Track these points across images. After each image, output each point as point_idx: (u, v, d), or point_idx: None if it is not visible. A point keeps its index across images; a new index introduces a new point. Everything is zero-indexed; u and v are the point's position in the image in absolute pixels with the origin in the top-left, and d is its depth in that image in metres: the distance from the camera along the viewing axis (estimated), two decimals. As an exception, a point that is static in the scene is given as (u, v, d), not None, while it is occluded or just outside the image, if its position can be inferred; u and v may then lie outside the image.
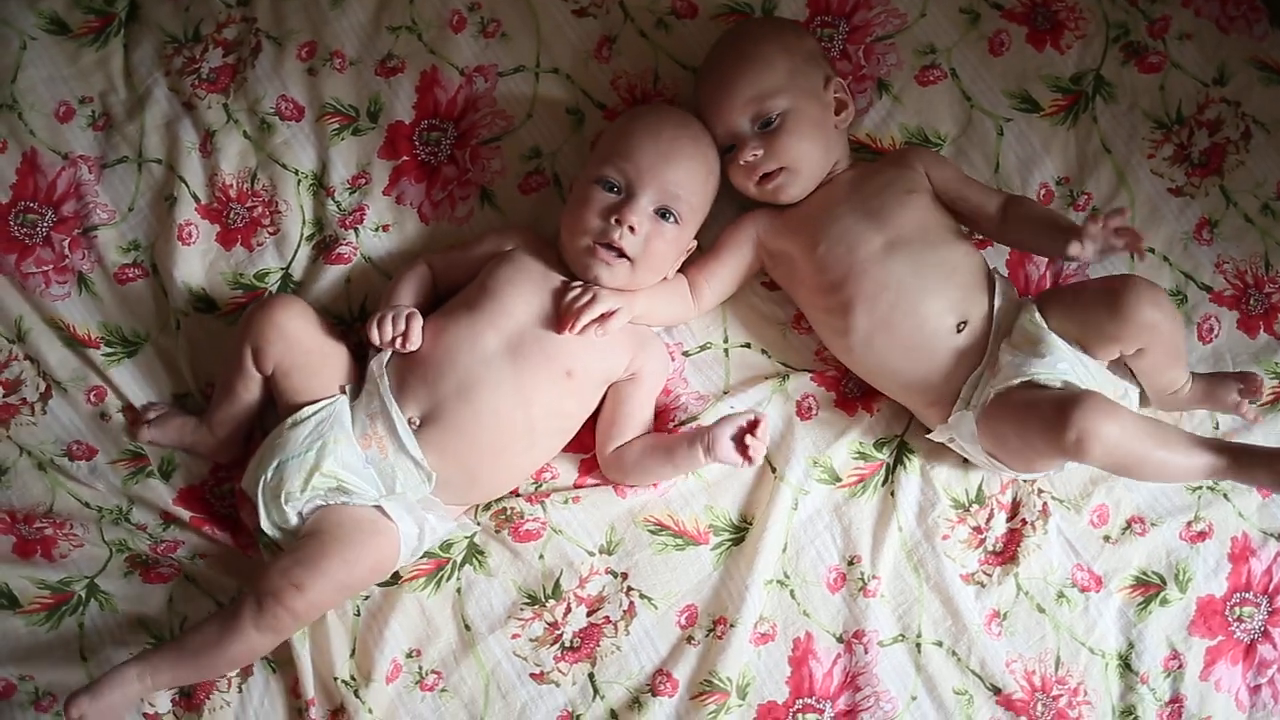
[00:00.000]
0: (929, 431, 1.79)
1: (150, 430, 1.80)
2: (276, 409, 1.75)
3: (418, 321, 1.72)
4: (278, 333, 1.70)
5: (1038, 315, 1.71)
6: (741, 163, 1.78)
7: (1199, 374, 1.80)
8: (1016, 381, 1.67)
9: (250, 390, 1.74)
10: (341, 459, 1.68)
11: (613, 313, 1.73)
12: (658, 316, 1.83)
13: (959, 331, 1.73)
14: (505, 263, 1.78)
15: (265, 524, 1.69)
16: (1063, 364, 1.67)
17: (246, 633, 1.59)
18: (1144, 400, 1.78)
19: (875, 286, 1.74)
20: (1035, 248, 1.82)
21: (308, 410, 1.70)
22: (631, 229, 1.72)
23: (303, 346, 1.71)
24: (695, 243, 1.82)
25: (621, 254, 1.73)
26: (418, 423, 1.70)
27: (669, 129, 1.77)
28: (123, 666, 1.59)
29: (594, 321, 1.72)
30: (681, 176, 1.74)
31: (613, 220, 1.72)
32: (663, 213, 1.74)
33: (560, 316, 1.73)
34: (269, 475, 1.68)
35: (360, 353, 1.78)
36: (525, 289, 1.76)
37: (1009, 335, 1.73)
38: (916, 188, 1.80)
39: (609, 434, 1.79)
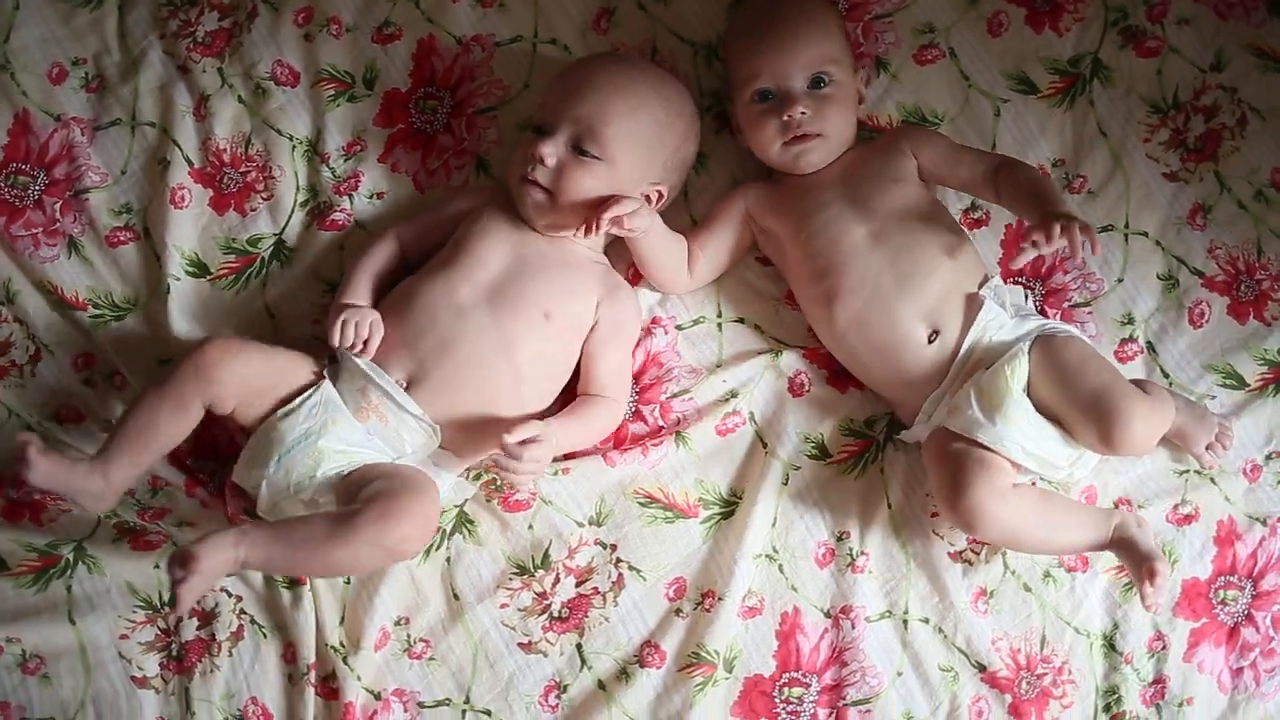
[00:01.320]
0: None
1: (31, 467, 1.59)
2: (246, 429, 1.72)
3: (379, 332, 1.72)
4: (229, 373, 1.65)
5: (1020, 368, 1.68)
6: (786, 117, 1.76)
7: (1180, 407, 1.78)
8: (959, 432, 1.69)
9: (176, 434, 1.67)
10: (343, 437, 1.68)
11: (632, 213, 1.71)
12: (657, 249, 1.81)
13: (930, 342, 1.73)
14: (476, 219, 1.79)
15: (268, 517, 1.69)
16: (1012, 440, 1.66)
17: (359, 541, 1.56)
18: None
19: (853, 282, 1.75)
20: (1014, 209, 1.80)
21: (297, 401, 1.69)
22: (542, 160, 1.72)
23: (258, 371, 1.69)
24: (661, 189, 1.80)
25: (537, 184, 1.73)
26: (405, 384, 1.70)
27: (591, 67, 1.79)
28: (222, 533, 1.54)
29: (615, 220, 1.70)
30: (593, 109, 1.73)
31: (531, 157, 1.73)
32: (578, 148, 1.73)
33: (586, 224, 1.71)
34: (272, 472, 1.66)
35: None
36: (497, 240, 1.76)
37: (986, 369, 1.71)
38: (903, 176, 1.81)
39: (584, 386, 1.78)
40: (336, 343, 1.70)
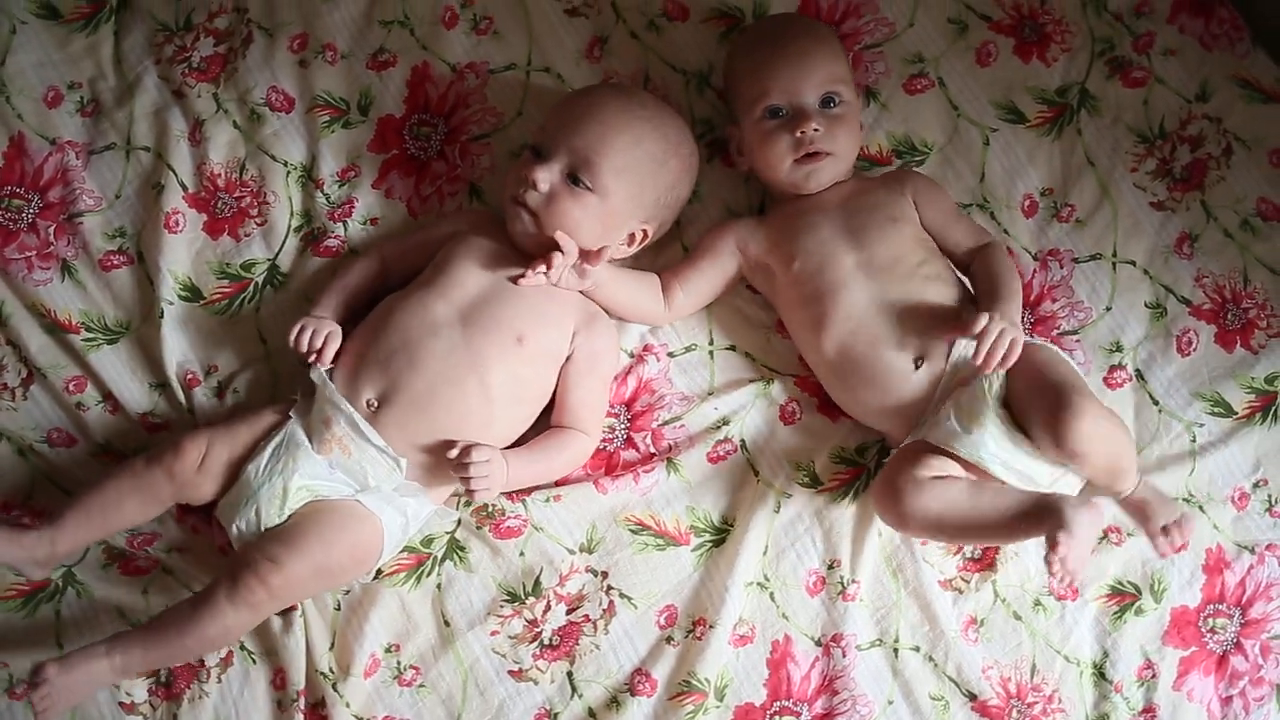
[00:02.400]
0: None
1: None
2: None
3: (335, 344, 1.73)
4: (199, 467, 1.68)
5: (996, 379, 1.70)
6: (799, 133, 1.77)
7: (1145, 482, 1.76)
8: (937, 444, 1.69)
9: (143, 518, 1.71)
10: (307, 473, 1.67)
11: (596, 253, 1.72)
12: (620, 297, 1.82)
13: (917, 368, 1.74)
14: (458, 242, 1.80)
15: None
16: (985, 449, 1.67)
17: (221, 609, 1.59)
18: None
19: (840, 312, 1.76)
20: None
21: (262, 445, 1.70)
22: (534, 185, 1.73)
23: (224, 445, 1.70)
24: (647, 229, 1.81)
25: (525, 206, 1.74)
26: (375, 404, 1.70)
27: (595, 97, 1.79)
28: (94, 645, 1.59)
29: (574, 266, 1.73)
30: (592, 141, 1.74)
31: (524, 179, 1.74)
32: (573, 177, 1.74)
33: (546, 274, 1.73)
34: (243, 512, 1.66)
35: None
36: (475, 262, 1.77)
37: (965, 386, 1.73)
38: (901, 216, 1.82)
39: (559, 418, 1.78)
40: (292, 346, 1.73)
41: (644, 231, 1.81)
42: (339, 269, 1.84)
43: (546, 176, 1.73)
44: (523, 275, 1.74)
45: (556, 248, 1.72)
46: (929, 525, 1.66)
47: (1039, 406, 1.65)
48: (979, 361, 1.65)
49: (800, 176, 1.81)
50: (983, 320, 1.67)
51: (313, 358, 1.72)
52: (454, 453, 1.65)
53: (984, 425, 1.67)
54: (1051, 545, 1.55)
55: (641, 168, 1.76)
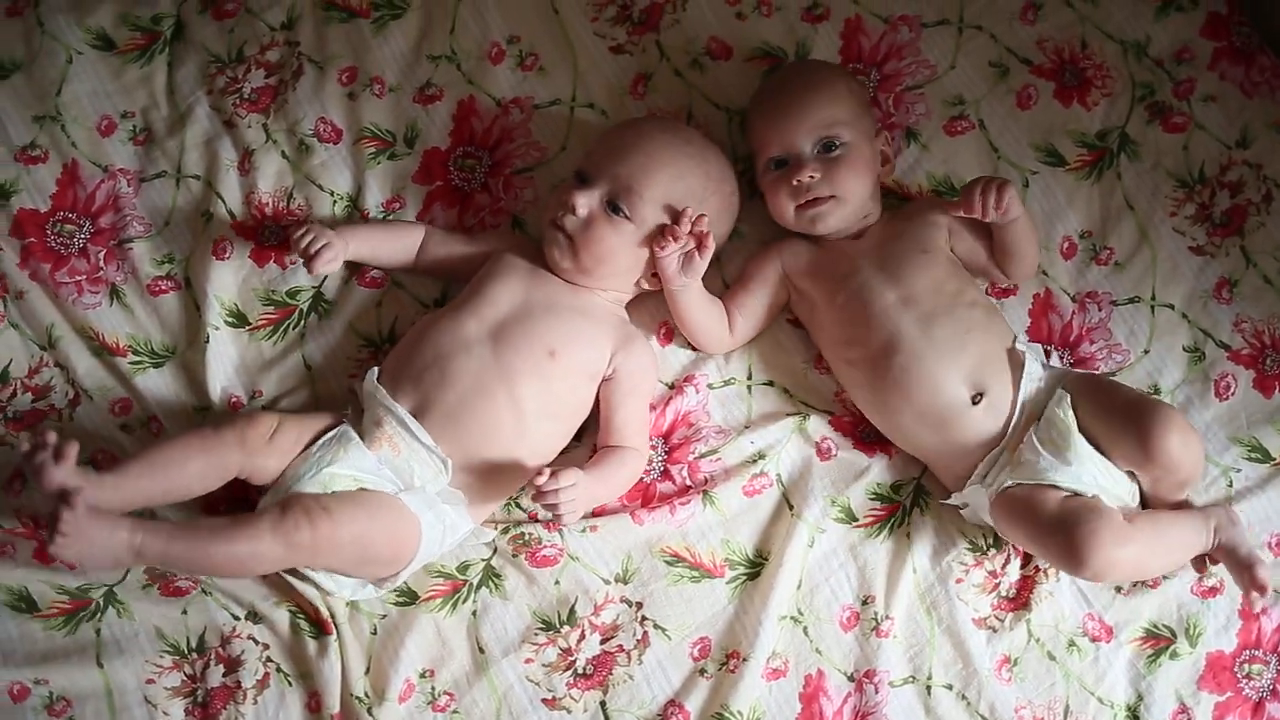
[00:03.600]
0: (942, 488, 1.82)
1: (50, 465, 1.54)
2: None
3: (328, 254, 1.76)
4: (273, 448, 1.70)
5: (1070, 408, 1.72)
6: (795, 181, 1.80)
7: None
8: (1033, 483, 1.70)
9: (201, 486, 1.68)
10: (353, 464, 1.70)
11: (704, 235, 1.75)
12: (696, 310, 1.83)
13: (975, 404, 1.75)
14: (494, 263, 1.83)
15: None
16: (1087, 475, 1.69)
17: (260, 533, 1.58)
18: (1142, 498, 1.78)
19: (886, 347, 1.77)
20: (1000, 248, 1.84)
21: (316, 441, 1.73)
22: (573, 209, 1.75)
23: (299, 439, 1.73)
24: (650, 238, 1.81)
25: (567, 235, 1.77)
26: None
27: (643, 129, 1.82)
28: (122, 517, 1.54)
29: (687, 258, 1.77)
30: (635, 171, 1.76)
31: (564, 204, 1.77)
32: (613, 205, 1.76)
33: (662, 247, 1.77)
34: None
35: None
36: (511, 282, 1.80)
37: (1037, 421, 1.74)
38: (931, 246, 1.83)
39: (605, 439, 1.80)
40: (293, 241, 1.77)
41: None
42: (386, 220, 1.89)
43: (586, 202, 1.76)
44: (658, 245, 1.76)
45: (588, 276, 1.77)
46: (1126, 576, 1.74)
47: (1124, 423, 1.69)
48: (965, 206, 1.74)
49: (806, 221, 1.84)
50: (969, 189, 1.75)
51: (306, 264, 1.77)
52: (541, 479, 1.64)
53: (1079, 454, 1.69)
54: (1258, 588, 1.68)
55: (681, 202, 1.78)
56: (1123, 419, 1.69)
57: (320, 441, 1.72)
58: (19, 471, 1.80)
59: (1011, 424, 1.75)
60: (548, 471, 1.65)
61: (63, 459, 1.55)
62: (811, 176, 1.80)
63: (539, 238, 1.88)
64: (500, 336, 1.76)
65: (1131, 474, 1.74)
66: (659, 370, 1.87)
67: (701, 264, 1.77)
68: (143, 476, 1.64)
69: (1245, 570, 1.69)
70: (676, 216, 1.76)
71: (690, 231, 1.75)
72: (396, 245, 1.87)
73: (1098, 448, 1.71)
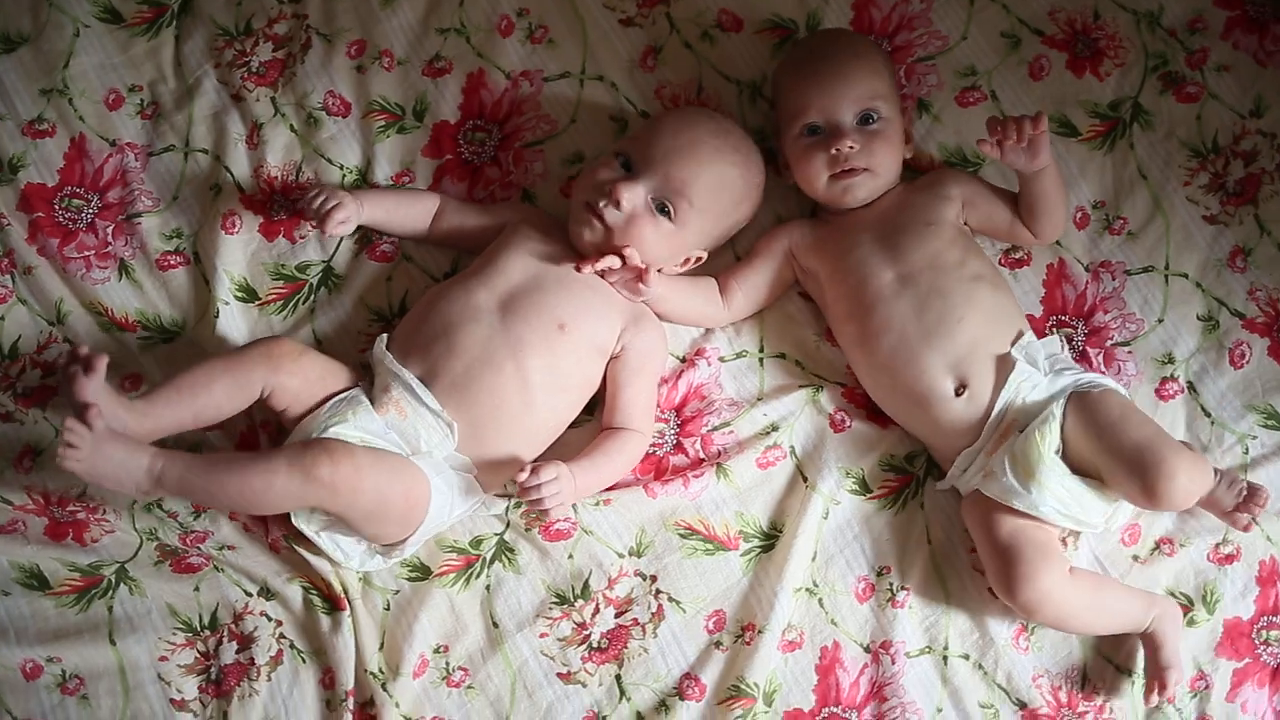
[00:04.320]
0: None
1: (94, 380, 1.55)
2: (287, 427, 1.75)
3: (340, 214, 1.76)
4: (297, 365, 1.71)
5: (1052, 433, 1.69)
6: (834, 150, 1.78)
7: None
8: (996, 499, 1.71)
9: (223, 409, 1.68)
10: (361, 425, 1.69)
11: (645, 269, 1.75)
12: (679, 306, 1.85)
13: (959, 395, 1.74)
14: (509, 234, 1.82)
15: (297, 517, 1.70)
16: (1047, 505, 1.68)
17: (276, 467, 1.58)
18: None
19: (880, 327, 1.77)
20: (1029, 203, 1.82)
21: (326, 401, 1.72)
22: (618, 203, 1.74)
23: (318, 375, 1.73)
24: (703, 255, 1.84)
25: (600, 219, 1.75)
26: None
27: (698, 130, 1.79)
28: (144, 444, 1.57)
29: (631, 276, 1.75)
30: (689, 177, 1.76)
31: (606, 190, 1.75)
32: (659, 204, 1.76)
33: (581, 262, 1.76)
34: None
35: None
36: (523, 253, 1.79)
37: (1019, 432, 1.72)
38: (937, 219, 1.82)
39: (610, 418, 1.79)
40: (305, 201, 1.77)
41: (699, 257, 1.84)
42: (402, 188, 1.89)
43: (632, 198, 1.75)
44: (580, 265, 1.75)
45: (616, 252, 1.74)
46: (1048, 621, 1.73)
47: (1126, 467, 1.66)
48: (992, 145, 1.71)
49: (838, 191, 1.82)
50: (990, 126, 1.72)
51: (315, 218, 1.76)
52: (522, 476, 1.65)
53: (1043, 484, 1.68)
54: (1160, 689, 1.70)
55: (722, 207, 1.80)
56: (1128, 463, 1.65)
57: (330, 402, 1.72)
58: (29, 447, 1.79)
59: (989, 425, 1.74)
60: (529, 467, 1.65)
61: (93, 371, 1.56)
62: (852, 146, 1.78)
63: (552, 210, 1.87)
64: (510, 307, 1.75)
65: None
66: (670, 343, 1.87)
67: (648, 289, 1.77)
68: (170, 401, 1.64)
69: (1159, 671, 1.70)
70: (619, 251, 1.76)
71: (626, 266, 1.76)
72: (411, 212, 1.86)
73: (1093, 474, 1.70)
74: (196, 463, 1.59)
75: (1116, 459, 1.67)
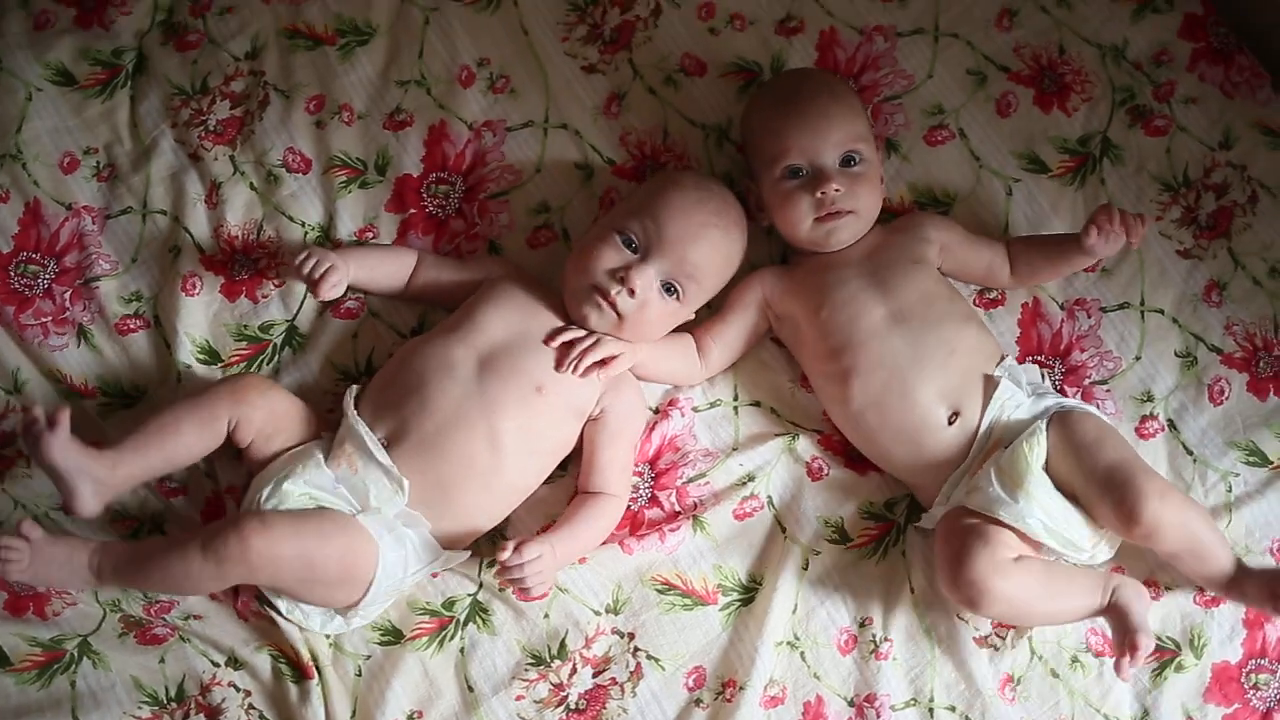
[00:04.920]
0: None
1: (44, 441, 1.56)
2: (251, 471, 1.74)
3: (333, 277, 1.72)
4: (263, 399, 1.70)
5: (1039, 445, 1.68)
6: (819, 194, 1.76)
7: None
8: (983, 514, 1.67)
9: (194, 450, 1.68)
10: (310, 481, 1.66)
11: (615, 357, 1.73)
12: (659, 370, 1.82)
13: (950, 424, 1.72)
14: (489, 289, 1.79)
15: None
16: (1032, 517, 1.65)
17: (190, 554, 1.57)
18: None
19: (871, 362, 1.74)
20: (1052, 266, 1.84)
21: (280, 455, 1.71)
22: (632, 292, 1.71)
23: (284, 410, 1.72)
24: (692, 315, 1.82)
25: (613, 307, 1.72)
26: (385, 443, 1.69)
27: (708, 211, 1.76)
28: (87, 539, 1.66)
29: (596, 365, 1.72)
30: (701, 260, 1.74)
31: (618, 277, 1.71)
32: (669, 287, 1.74)
33: (559, 353, 1.73)
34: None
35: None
36: (505, 312, 1.76)
37: (1005, 448, 1.70)
38: (922, 259, 1.81)
39: (586, 480, 1.76)
40: (295, 266, 1.73)
41: (692, 316, 1.83)
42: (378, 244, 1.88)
43: (644, 285, 1.72)
44: (554, 335, 1.74)
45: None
46: (1003, 613, 1.67)
47: (1100, 488, 1.65)
48: (1134, 237, 1.74)
49: (821, 235, 1.80)
50: (1103, 212, 1.73)
51: (309, 282, 1.73)
52: (504, 555, 1.62)
53: (1031, 494, 1.65)
54: (1131, 652, 1.61)
55: (722, 280, 1.82)
56: (1101, 483, 1.65)
57: (284, 455, 1.70)
58: (-14, 518, 1.76)
59: (976, 446, 1.72)
60: (510, 546, 1.62)
61: (56, 426, 1.57)
62: (838, 189, 1.76)
63: (519, 261, 1.85)
64: (488, 366, 1.72)
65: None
66: (643, 396, 1.83)
67: (613, 369, 1.75)
68: (140, 448, 1.64)
69: (1128, 635, 1.63)
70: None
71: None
72: (391, 269, 1.83)
73: (1072, 495, 1.68)
74: (126, 554, 1.64)
75: (1093, 482, 1.66)
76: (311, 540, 1.60)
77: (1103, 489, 1.65)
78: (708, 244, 1.75)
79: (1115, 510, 1.63)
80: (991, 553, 1.63)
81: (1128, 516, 1.62)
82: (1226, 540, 1.71)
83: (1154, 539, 1.65)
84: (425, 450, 1.68)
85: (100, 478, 1.61)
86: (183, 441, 1.67)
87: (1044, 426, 1.70)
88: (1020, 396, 1.74)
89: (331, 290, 1.73)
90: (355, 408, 1.72)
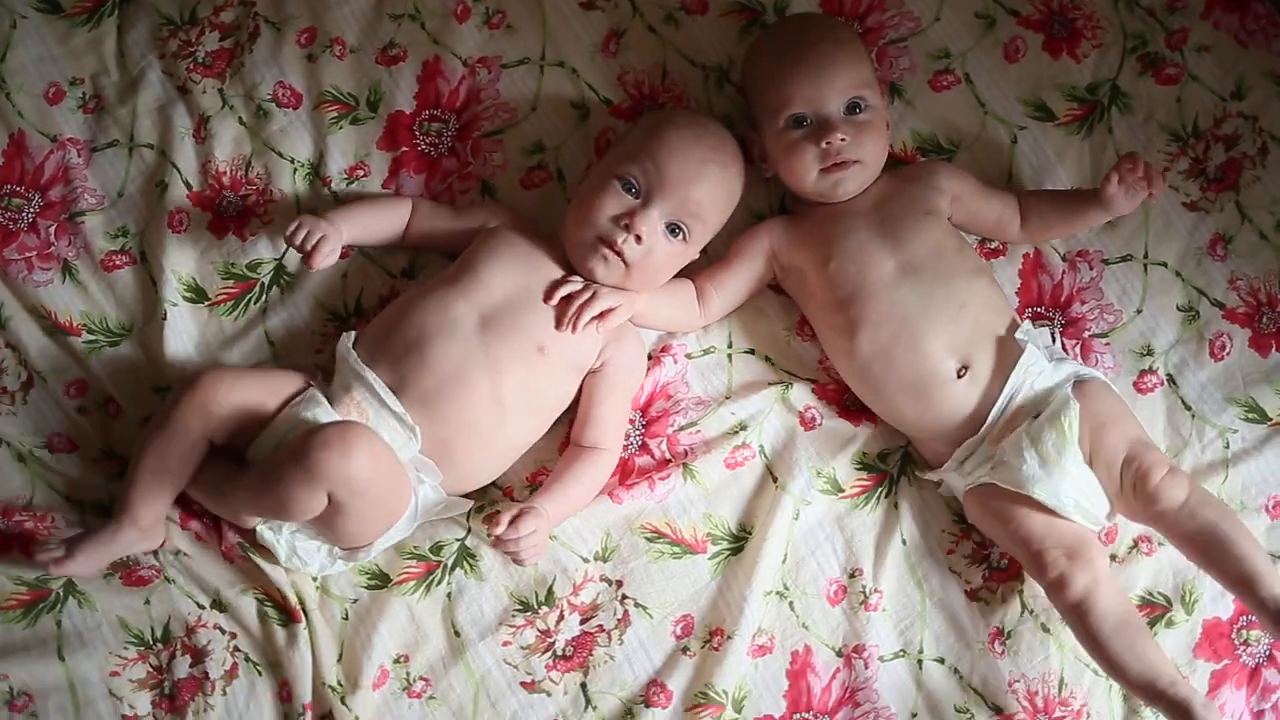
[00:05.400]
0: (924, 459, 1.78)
1: (72, 564, 1.62)
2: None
3: (327, 245, 1.68)
4: (225, 401, 1.63)
5: (1077, 418, 1.65)
6: (825, 144, 1.72)
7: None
8: (1010, 489, 1.66)
9: (188, 468, 1.65)
10: None
11: (612, 309, 1.70)
12: (658, 318, 1.79)
13: (960, 377, 1.69)
14: (489, 239, 1.75)
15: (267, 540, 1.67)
16: (1066, 493, 1.64)
17: (289, 474, 1.54)
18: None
19: (880, 313, 1.71)
20: (1068, 226, 1.81)
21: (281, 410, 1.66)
22: (639, 238, 1.68)
23: (255, 398, 1.66)
24: (697, 255, 1.79)
25: (620, 256, 1.69)
26: None
27: (706, 147, 1.73)
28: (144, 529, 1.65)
29: (595, 318, 1.69)
30: (704, 198, 1.71)
31: (622, 224, 1.68)
32: (673, 228, 1.70)
33: (558, 310, 1.70)
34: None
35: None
36: (507, 266, 1.72)
37: (1032, 419, 1.67)
38: (934, 209, 1.77)
39: (581, 432, 1.74)
40: (286, 239, 1.69)
41: (697, 254, 1.80)
42: (367, 196, 1.82)
43: (649, 229, 1.69)
44: (553, 289, 1.71)
45: (628, 287, 1.73)
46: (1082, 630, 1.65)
47: (1124, 468, 1.65)
48: (1154, 188, 1.73)
49: (827, 186, 1.76)
50: (1127, 160, 1.72)
51: (304, 252, 1.69)
52: (499, 529, 1.60)
53: (1066, 469, 1.64)
54: None
55: (724, 213, 1.77)
56: (1123, 463, 1.65)
57: (285, 410, 1.66)
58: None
59: (996, 411, 1.69)
60: (506, 519, 1.60)
61: (65, 560, 1.63)
62: (843, 139, 1.72)
63: (513, 203, 1.82)
64: (490, 325, 1.69)
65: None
66: (644, 348, 1.81)
67: (612, 321, 1.71)
68: (146, 498, 1.64)
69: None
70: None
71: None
72: (386, 224, 1.79)
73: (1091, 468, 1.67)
74: (215, 483, 1.66)
75: (1115, 453, 1.65)
76: (384, 457, 1.58)
77: (1124, 465, 1.64)
78: (709, 181, 1.72)
79: (1136, 487, 1.63)
80: (1100, 580, 1.62)
81: (1149, 495, 1.62)
82: (1254, 536, 1.64)
83: (1169, 519, 1.63)
84: (424, 406, 1.65)
85: (134, 541, 1.66)
86: (176, 473, 1.65)
87: (1072, 396, 1.67)
88: (1042, 363, 1.71)
89: (325, 260, 1.69)
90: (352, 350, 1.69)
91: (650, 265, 1.71)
